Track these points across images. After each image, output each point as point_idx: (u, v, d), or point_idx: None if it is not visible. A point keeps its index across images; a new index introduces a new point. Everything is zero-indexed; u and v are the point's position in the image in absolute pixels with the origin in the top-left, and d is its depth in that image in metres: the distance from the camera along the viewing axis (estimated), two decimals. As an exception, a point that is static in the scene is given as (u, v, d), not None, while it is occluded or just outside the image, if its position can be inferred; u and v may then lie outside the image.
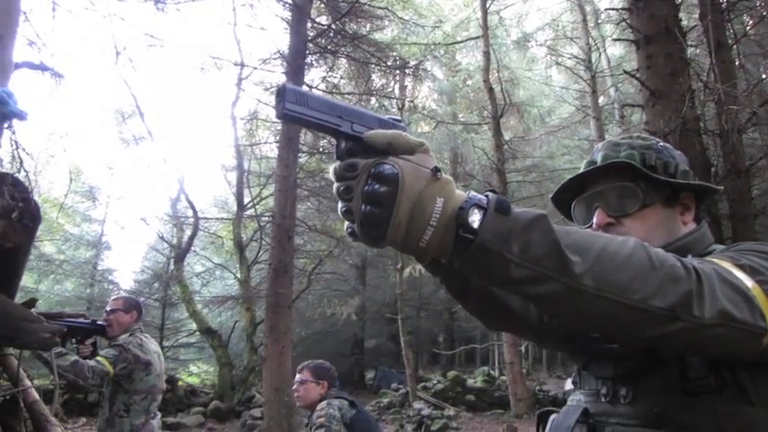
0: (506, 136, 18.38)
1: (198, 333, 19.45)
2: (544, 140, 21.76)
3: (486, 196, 0.93)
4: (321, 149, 17.02)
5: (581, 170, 1.41)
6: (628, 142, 1.37)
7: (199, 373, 25.22)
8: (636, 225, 1.29)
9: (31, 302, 1.56)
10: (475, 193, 0.93)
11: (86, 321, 4.20)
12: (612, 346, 1.22)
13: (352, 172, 0.89)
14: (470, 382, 18.41)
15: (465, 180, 23.36)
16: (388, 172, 0.87)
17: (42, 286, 21.05)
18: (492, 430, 12.30)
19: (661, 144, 1.37)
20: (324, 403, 3.71)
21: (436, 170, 0.92)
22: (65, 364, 3.72)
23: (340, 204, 0.92)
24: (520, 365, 16.27)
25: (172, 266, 20.45)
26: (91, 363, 3.86)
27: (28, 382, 1.56)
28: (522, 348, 20.50)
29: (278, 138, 14.92)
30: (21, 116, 1.04)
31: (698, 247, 1.28)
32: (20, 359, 1.53)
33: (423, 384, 17.83)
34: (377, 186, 0.87)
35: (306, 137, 16.10)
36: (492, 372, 20.69)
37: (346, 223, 0.94)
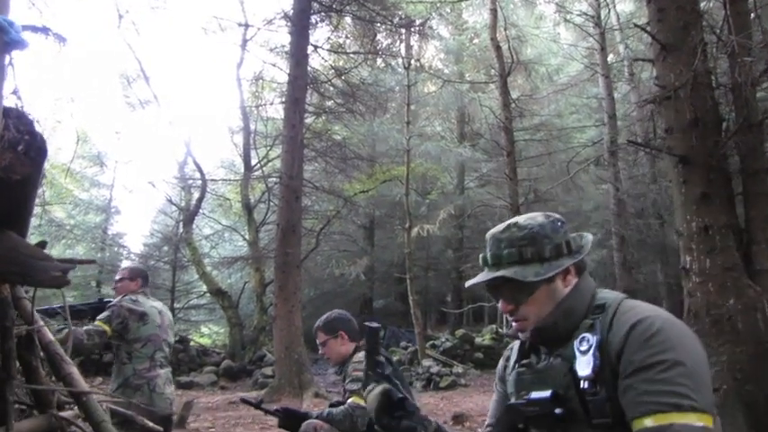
0: (514, 95, 18.16)
1: (208, 294, 19.64)
2: (552, 99, 21.51)
3: None
4: (327, 110, 16.90)
5: (481, 263, 1.69)
6: (507, 237, 1.63)
7: (210, 334, 25.54)
8: (529, 308, 1.61)
9: (43, 244, 1.56)
10: None
11: (94, 302, 4.68)
12: None
13: None
14: (478, 340, 18.57)
15: (473, 140, 23.23)
16: None
17: (54, 251, 21.14)
18: (500, 386, 12.42)
19: (536, 228, 1.62)
20: (361, 355, 3.51)
21: None
22: (60, 337, 3.86)
23: None
24: (528, 323, 16.36)
25: (181, 229, 20.54)
26: (87, 327, 4.05)
27: (42, 323, 1.58)
28: (530, 307, 20.61)
29: (284, 99, 14.81)
30: (22, 45, 1.03)
31: (580, 304, 1.60)
32: (33, 301, 1.55)
33: (431, 343, 18.00)
34: None
35: (312, 97, 15.98)
36: (500, 329, 20.83)
37: None
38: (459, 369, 15.05)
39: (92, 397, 1.50)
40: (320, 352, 3.88)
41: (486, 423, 1.92)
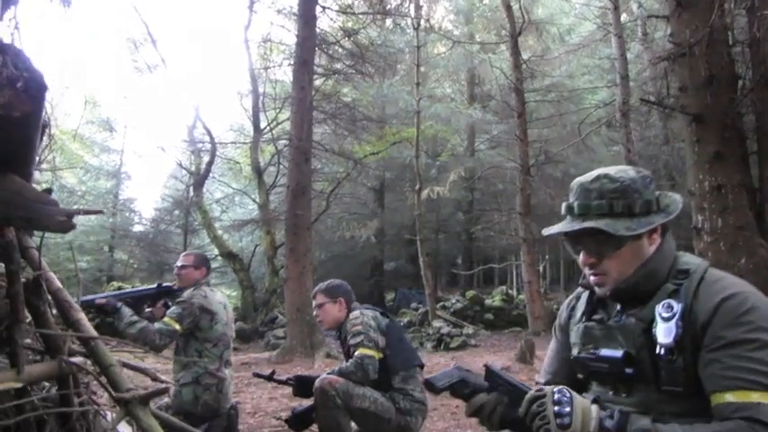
0: (525, 55, 17.94)
1: (220, 258, 19.78)
2: (564, 60, 21.20)
3: (611, 416, 1.42)
4: (336, 71, 16.75)
5: (563, 212, 1.67)
6: (597, 188, 1.60)
7: (222, 297, 25.78)
8: (613, 263, 1.59)
9: (48, 191, 1.56)
10: (604, 417, 1.42)
11: (153, 287, 4.54)
12: None
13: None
14: (489, 301, 18.66)
15: (483, 101, 23.01)
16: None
17: (65, 216, 21.30)
18: (510, 347, 12.50)
19: (627, 181, 1.59)
20: (357, 312, 3.77)
21: None
22: (134, 332, 3.89)
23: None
24: (538, 284, 16.43)
25: (191, 193, 20.61)
26: (158, 325, 3.99)
27: (50, 271, 1.58)
28: (540, 268, 20.67)
29: (292, 61, 14.68)
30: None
31: (663, 266, 1.59)
32: (40, 249, 1.55)
33: (442, 304, 18.10)
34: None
35: (320, 59, 15.82)
36: (510, 291, 20.93)
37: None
38: (469, 330, 15.14)
39: (99, 342, 1.51)
40: (314, 313, 4.01)
41: (543, 369, 1.92)
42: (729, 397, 1.36)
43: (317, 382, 3.50)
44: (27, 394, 1.37)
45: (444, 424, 5.42)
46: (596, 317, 1.71)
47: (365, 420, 3.54)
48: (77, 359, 1.50)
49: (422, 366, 3.88)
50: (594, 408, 1.44)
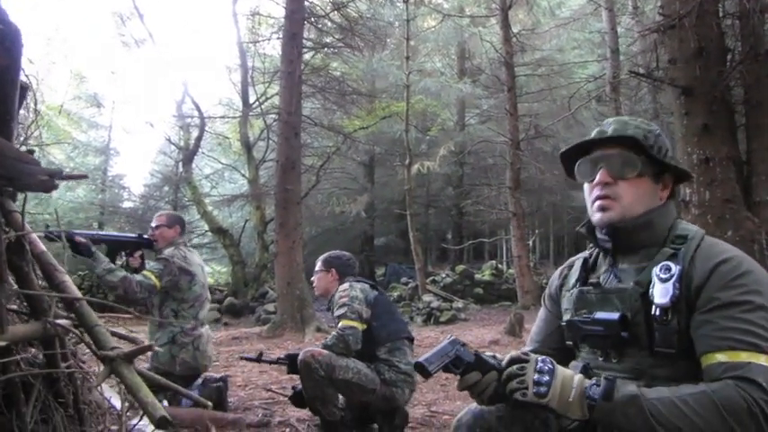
0: (515, 29, 17.84)
1: (210, 233, 19.75)
2: (554, 33, 21.09)
3: (598, 384, 1.42)
4: (325, 45, 16.60)
5: (593, 136, 1.71)
6: (635, 123, 1.69)
7: (212, 273, 25.81)
8: (629, 190, 1.63)
9: (31, 151, 1.54)
10: (590, 386, 1.44)
11: (134, 236, 4.58)
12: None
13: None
14: (478, 276, 18.77)
15: (473, 75, 22.90)
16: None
17: (54, 193, 21.10)
18: (500, 321, 12.59)
19: (658, 131, 1.69)
20: (346, 285, 3.85)
21: None
22: (115, 280, 3.95)
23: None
24: (527, 259, 16.52)
25: (181, 169, 20.49)
26: (138, 277, 4.04)
27: (34, 233, 1.57)
28: (530, 242, 20.76)
29: (281, 34, 14.51)
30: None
31: (662, 223, 1.64)
32: (23, 213, 1.54)
33: (432, 278, 18.18)
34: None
35: (309, 33, 15.67)
36: (500, 265, 21.04)
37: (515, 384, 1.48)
38: (459, 304, 15.24)
39: (84, 303, 1.51)
40: (312, 278, 4.15)
41: (530, 337, 1.94)
42: (720, 357, 1.37)
43: (300, 355, 3.55)
44: (11, 355, 1.37)
45: (434, 396, 5.47)
46: (593, 281, 1.72)
47: (349, 391, 3.60)
48: (63, 321, 1.49)
49: (411, 339, 3.92)
50: (577, 378, 1.46)
